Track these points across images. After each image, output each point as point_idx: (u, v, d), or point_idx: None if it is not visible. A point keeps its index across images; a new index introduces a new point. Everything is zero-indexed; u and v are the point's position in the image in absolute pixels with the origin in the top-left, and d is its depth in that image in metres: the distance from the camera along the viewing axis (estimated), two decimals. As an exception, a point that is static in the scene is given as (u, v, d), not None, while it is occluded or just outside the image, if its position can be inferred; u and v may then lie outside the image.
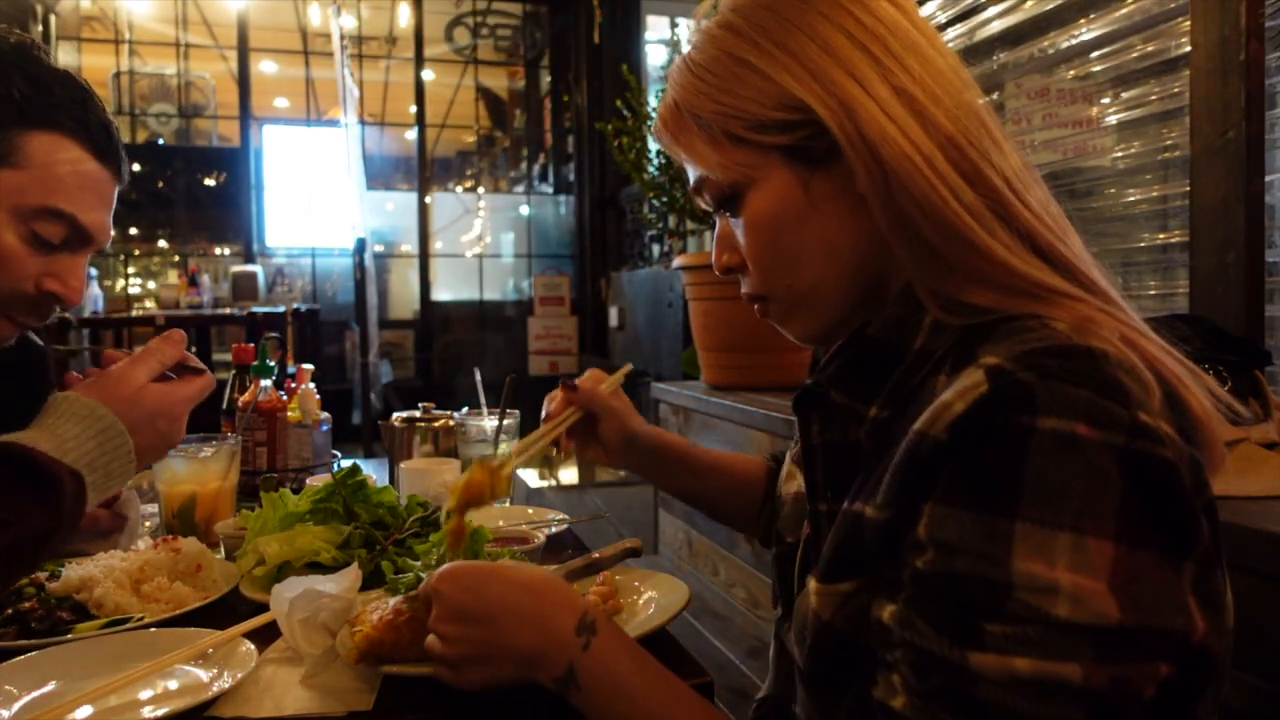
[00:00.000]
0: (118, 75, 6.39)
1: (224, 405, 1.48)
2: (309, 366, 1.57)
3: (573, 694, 0.63)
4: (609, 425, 1.00)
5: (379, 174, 6.99)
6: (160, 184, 6.46)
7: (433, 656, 0.66)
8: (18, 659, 0.77)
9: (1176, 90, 2.00)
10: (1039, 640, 0.47)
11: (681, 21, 6.25)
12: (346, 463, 1.36)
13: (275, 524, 0.99)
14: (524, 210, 7.32)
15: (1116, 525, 0.48)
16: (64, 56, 6.03)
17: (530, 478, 4.64)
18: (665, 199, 3.03)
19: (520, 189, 7.45)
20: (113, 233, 0.95)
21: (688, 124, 0.67)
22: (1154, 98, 2.07)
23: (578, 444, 1.02)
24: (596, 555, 0.95)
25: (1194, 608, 0.48)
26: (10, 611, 0.88)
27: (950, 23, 2.52)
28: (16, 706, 0.71)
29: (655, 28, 6.71)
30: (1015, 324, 0.56)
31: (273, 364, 1.42)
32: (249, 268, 5.78)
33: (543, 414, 1.01)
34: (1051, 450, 0.48)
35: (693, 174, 0.69)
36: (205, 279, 5.57)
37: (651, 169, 3.07)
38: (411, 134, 6.88)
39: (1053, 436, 0.49)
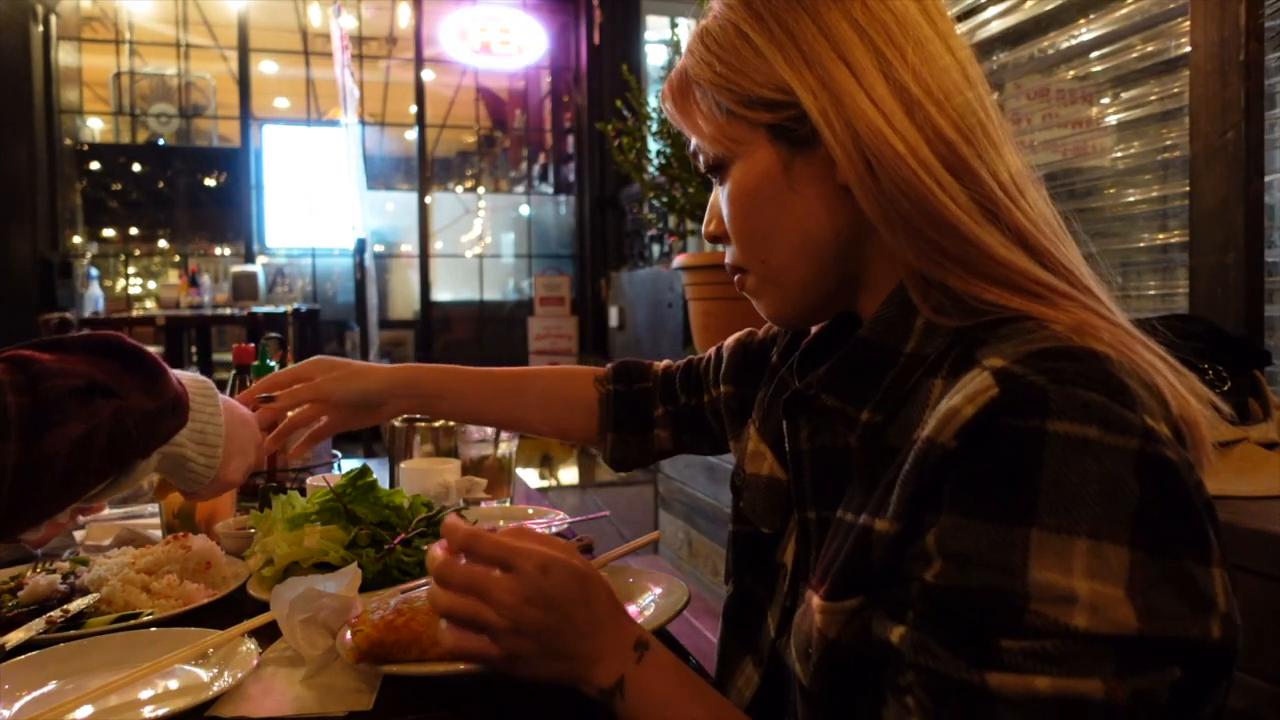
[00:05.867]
0: (118, 75, 6.39)
1: (224, 405, 1.48)
2: (309, 366, 1.57)
3: (617, 704, 0.62)
4: (340, 408, 1.03)
5: (379, 174, 6.99)
6: (160, 184, 6.47)
7: (492, 631, 0.62)
8: (18, 658, 0.77)
9: (1176, 90, 2.00)
10: (1059, 655, 0.46)
11: (681, 21, 6.25)
12: (347, 463, 1.36)
13: (284, 525, 0.99)
14: (524, 210, 7.32)
15: (1133, 531, 0.47)
16: (64, 56, 6.03)
17: (530, 477, 4.64)
18: (665, 199, 3.02)
19: (520, 189, 7.45)
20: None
21: (689, 90, 0.68)
22: (1154, 98, 2.08)
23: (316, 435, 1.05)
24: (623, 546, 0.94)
25: (1209, 612, 0.47)
26: (17, 613, 0.88)
27: (950, 23, 2.52)
28: (17, 706, 0.71)
29: (655, 28, 6.72)
30: (1013, 325, 0.55)
31: (273, 364, 1.42)
32: (249, 268, 5.78)
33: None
34: (1066, 454, 0.47)
35: (692, 139, 0.70)
36: (205, 279, 5.57)
37: (651, 169, 3.06)
38: (411, 134, 6.89)
39: (1066, 440, 0.47)
